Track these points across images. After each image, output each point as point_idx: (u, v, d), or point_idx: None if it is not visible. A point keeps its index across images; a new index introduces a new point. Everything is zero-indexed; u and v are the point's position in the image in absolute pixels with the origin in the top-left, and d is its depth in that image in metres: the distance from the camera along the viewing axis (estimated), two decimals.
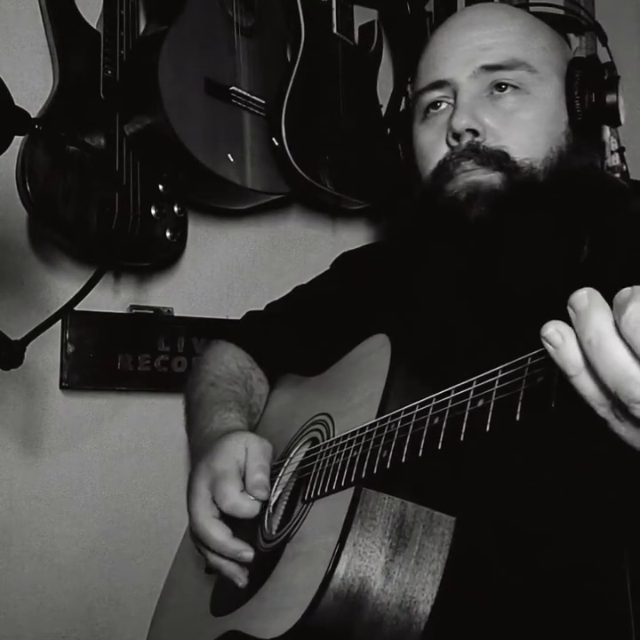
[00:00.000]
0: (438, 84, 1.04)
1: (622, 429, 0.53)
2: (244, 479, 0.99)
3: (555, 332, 0.53)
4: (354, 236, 1.71)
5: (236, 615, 0.97)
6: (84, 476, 1.44)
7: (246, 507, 0.96)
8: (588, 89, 1.01)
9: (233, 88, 1.44)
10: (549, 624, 0.89)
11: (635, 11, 2.12)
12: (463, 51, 1.03)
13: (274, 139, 1.47)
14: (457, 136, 1.01)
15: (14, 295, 1.38)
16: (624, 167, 1.72)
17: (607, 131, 1.08)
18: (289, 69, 1.52)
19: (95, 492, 1.45)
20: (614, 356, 0.50)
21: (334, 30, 1.60)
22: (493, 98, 1.02)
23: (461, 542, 0.84)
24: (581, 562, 0.89)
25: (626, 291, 0.49)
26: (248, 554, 0.96)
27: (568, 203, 1.00)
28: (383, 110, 1.69)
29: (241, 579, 0.97)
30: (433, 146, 1.05)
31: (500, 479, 0.90)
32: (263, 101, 1.48)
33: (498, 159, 0.99)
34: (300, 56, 1.52)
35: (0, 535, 1.38)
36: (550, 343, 0.53)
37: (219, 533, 0.97)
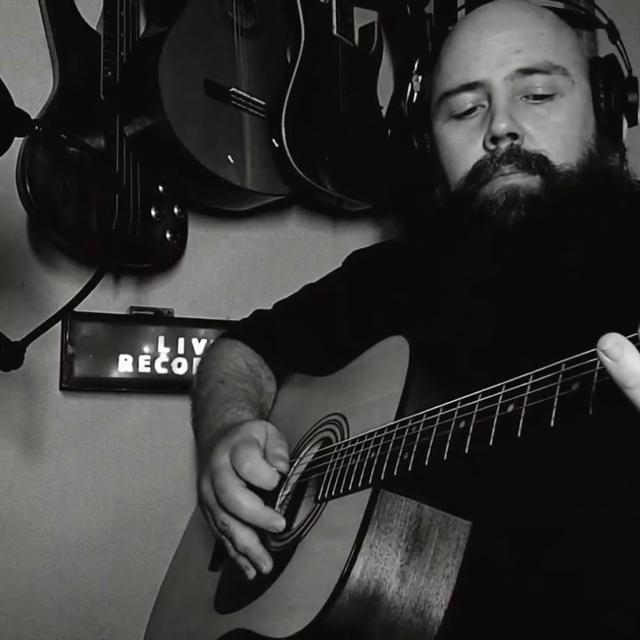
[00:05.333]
0: (470, 86, 1.02)
1: None
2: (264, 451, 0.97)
3: (615, 345, 0.53)
4: (354, 238, 1.71)
5: (242, 613, 0.96)
6: (84, 477, 1.45)
7: (265, 473, 0.93)
8: (612, 89, 1.02)
9: (233, 89, 1.44)
10: (563, 631, 0.87)
11: (635, 9, 2.11)
12: (495, 51, 1.01)
13: (274, 140, 1.47)
14: (496, 139, 0.99)
15: (14, 296, 1.38)
16: (625, 167, 1.71)
17: (625, 130, 1.07)
18: (289, 71, 1.52)
19: (95, 492, 1.45)
20: None
21: (334, 31, 1.60)
22: (528, 102, 1.00)
23: (476, 547, 0.83)
24: (599, 569, 0.87)
25: None
26: (280, 522, 0.94)
27: (600, 206, 0.99)
28: (383, 112, 1.69)
29: (266, 563, 0.94)
30: (465, 148, 1.03)
31: (517, 484, 0.89)
32: (263, 103, 1.48)
33: (538, 163, 0.98)
34: (299, 57, 1.52)
35: (0, 535, 1.38)
36: (610, 357, 0.54)
37: (251, 502, 0.94)
